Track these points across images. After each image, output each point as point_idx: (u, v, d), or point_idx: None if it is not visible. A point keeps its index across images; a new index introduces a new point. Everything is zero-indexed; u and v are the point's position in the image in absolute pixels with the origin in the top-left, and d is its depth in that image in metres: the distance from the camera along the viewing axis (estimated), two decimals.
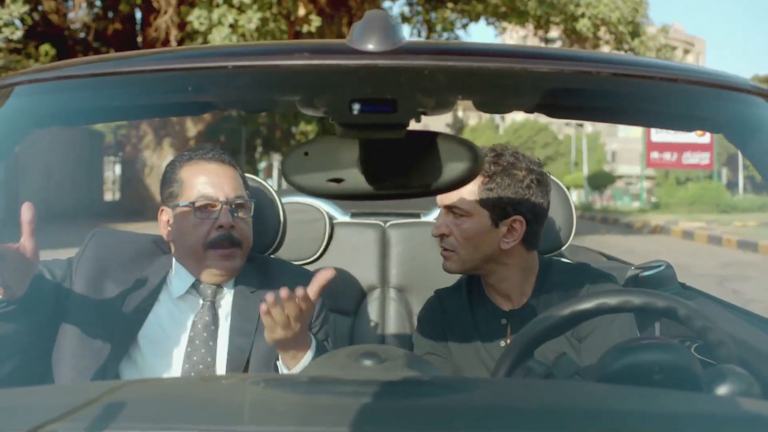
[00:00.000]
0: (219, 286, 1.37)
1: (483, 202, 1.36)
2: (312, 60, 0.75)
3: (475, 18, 15.61)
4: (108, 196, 21.59)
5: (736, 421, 0.71)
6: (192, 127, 14.03)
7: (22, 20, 11.12)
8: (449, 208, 1.39)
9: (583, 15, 13.55)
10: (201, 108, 0.96)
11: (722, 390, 0.83)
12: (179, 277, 1.37)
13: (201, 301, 1.36)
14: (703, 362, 0.95)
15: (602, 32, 14.11)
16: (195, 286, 1.37)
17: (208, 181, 1.35)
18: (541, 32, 14.94)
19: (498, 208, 1.36)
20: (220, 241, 1.32)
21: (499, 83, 0.86)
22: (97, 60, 0.91)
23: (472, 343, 1.41)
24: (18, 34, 10.98)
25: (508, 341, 1.38)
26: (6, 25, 10.80)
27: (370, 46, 0.73)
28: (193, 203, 1.32)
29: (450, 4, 15.78)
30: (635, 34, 14.13)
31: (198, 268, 1.35)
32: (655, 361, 0.84)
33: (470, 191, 1.36)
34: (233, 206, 1.34)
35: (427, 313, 1.50)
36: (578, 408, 0.72)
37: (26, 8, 10.90)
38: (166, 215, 1.39)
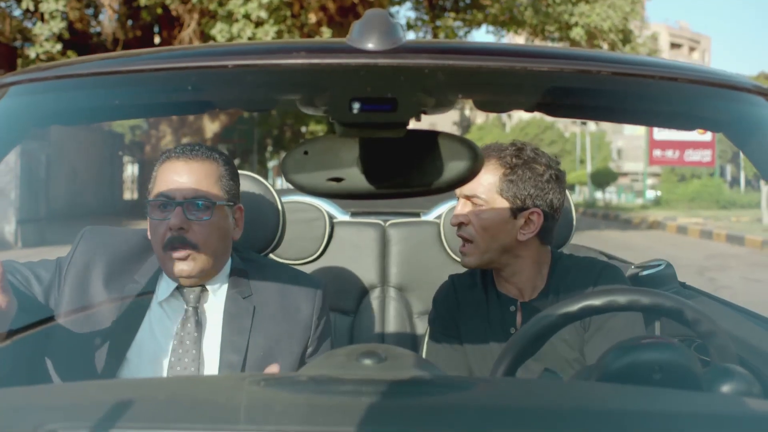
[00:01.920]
0: (203, 289, 1.33)
1: (503, 193, 1.40)
2: (312, 59, 0.74)
3: (477, 25, 16.10)
4: (127, 195, 22.49)
5: (736, 420, 0.71)
6: (209, 128, 14.47)
7: (60, 36, 11.68)
8: (469, 198, 1.42)
9: (576, 24, 14.26)
10: (200, 107, 0.96)
11: (722, 389, 0.83)
12: (165, 279, 1.33)
13: (184, 306, 1.31)
14: (703, 362, 0.95)
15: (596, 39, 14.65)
16: (179, 289, 1.32)
17: (168, 180, 1.29)
18: (538, 40, 15.40)
19: (518, 200, 1.40)
20: (172, 243, 1.27)
21: (499, 82, 0.86)
22: (96, 59, 0.90)
23: (483, 329, 1.45)
24: (58, 47, 11.62)
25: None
26: (47, 39, 11.47)
27: (370, 45, 0.73)
28: (153, 202, 1.29)
29: (452, 14, 16.27)
30: (626, 40, 14.77)
31: (164, 269, 1.31)
32: (655, 360, 0.84)
33: (491, 182, 1.40)
34: (188, 207, 1.27)
35: (440, 296, 1.55)
36: (578, 408, 0.72)
37: (64, 24, 11.53)
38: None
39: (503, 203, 1.40)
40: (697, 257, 9.61)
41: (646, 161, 25.35)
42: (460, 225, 1.43)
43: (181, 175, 1.29)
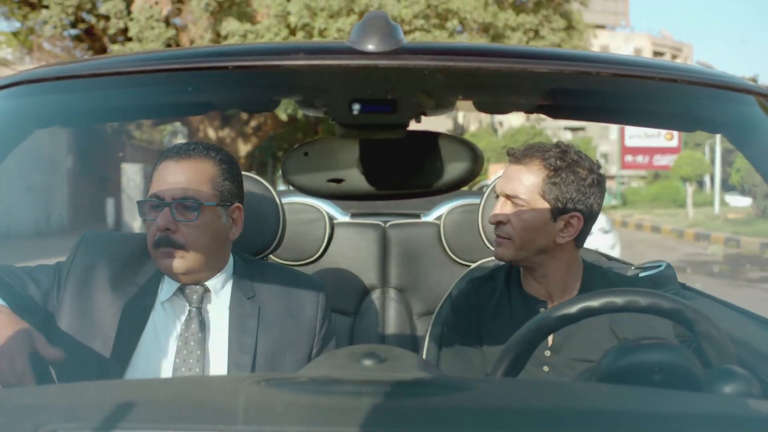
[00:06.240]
0: (206, 290, 1.32)
1: (545, 195, 1.39)
2: (312, 60, 0.75)
3: None
4: None
5: (735, 420, 0.71)
6: (243, 148, 15.22)
7: None
8: (509, 197, 1.40)
9: None
10: (201, 108, 0.96)
11: (722, 390, 0.83)
12: (167, 280, 1.33)
13: (188, 307, 1.31)
14: (703, 362, 0.95)
15: None
16: (181, 289, 1.32)
17: (160, 180, 1.28)
18: None
19: (559, 202, 1.39)
20: (159, 243, 1.27)
21: (499, 83, 0.86)
22: (98, 60, 0.91)
23: (507, 329, 1.41)
24: None
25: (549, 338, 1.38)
26: None
27: (370, 47, 0.73)
28: (145, 202, 1.29)
29: None
30: None
31: (158, 267, 1.32)
32: (655, 361, 0.84)
33: (534, 183, 1.39)
34: (177, 207, 1.26)
35: (461, 302, 1.51)
36: (578, 408, 0.72)
37: None
38: None
39: (544, 205, 1.39)
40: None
41: (618, 165, 27.77)
42: (498, 224, 1.41)
43: (172, 175, 1.27)
